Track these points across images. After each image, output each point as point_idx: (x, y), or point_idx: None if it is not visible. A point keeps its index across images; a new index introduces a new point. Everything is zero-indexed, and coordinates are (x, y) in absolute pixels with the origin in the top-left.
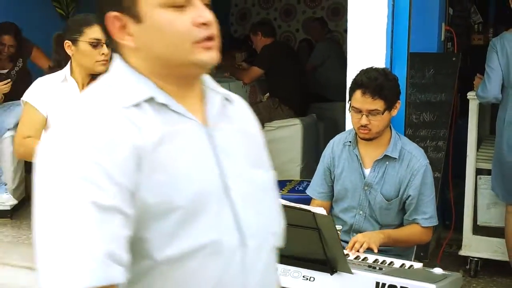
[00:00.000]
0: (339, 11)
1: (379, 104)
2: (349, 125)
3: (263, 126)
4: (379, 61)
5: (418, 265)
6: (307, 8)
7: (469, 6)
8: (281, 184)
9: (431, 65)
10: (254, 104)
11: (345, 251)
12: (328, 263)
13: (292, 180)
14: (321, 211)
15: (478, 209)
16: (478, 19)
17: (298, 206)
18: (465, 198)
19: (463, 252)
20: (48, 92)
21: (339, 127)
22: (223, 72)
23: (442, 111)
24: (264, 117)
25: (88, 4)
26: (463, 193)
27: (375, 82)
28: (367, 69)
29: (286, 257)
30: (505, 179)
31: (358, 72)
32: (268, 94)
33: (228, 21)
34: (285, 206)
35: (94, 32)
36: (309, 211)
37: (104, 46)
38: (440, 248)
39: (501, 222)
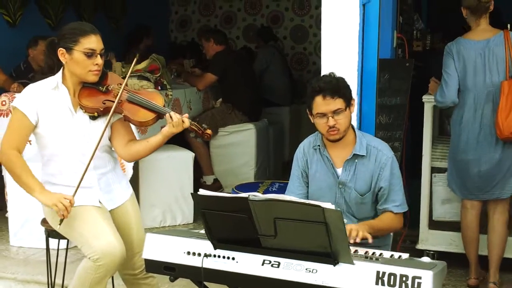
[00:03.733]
0: (279, 18)
1: (339, 103)
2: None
3: (217, 131)
4: (352, 68)
5: (405, 255)
6: (247, 16)
7: (412, 14)
8: (254, 186)
9: (387, 71)
10: (208, 109)
11: None
12: (332, 255)
13: (264, 182)
14: (330, 205)
15: (433, 205)
16: (420, 25)
17: (307, 202)
18: (421, 195)
19: (419, 246)
20: (38, 99)
21: (286, 131)
22: (177, 79)
23: (398, 113)
24: (218, 122)
25: (36, 11)
26: (418, 190)
27: (330, 83)
28: (317, 77)
29: (288, 251)
30: (462, 175)
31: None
32: (220, 99)
33: (168, 28)
34: (292, 202)
35: (89, 42)
36: (319, 206)
37: (98, 56)
38: (397, 243)
39: (455, 217)
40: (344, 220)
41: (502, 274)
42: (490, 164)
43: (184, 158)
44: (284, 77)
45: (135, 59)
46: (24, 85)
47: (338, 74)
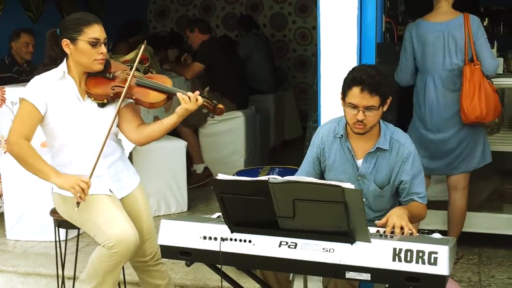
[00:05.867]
0: (258, 6)
1: (375, 101)
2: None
3: (206, 120)
4: (351, 52)
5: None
6: (226, 4)
7: None
8: (255, 172)
9: (377, 55)
10: None
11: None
12: (350, 234)
13: (263, 167)
14: (350, 185)
15: None
16: (402, 8)
17: (327, 182)
18: None
19: None
20: (46, 89)
21: (271, 118)
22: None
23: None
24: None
25: (16, 4)
26: None
27: (373, 79)
28: (361, 66)
29: (305, 231)
30: (431, 155)
31: (351, 69)
32: (208, 88)
33: (147, 18)
34: (311, 183)
35: (93, 31)
36: (339, 186)
37: (102, 45)
38: None
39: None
40: None
41: (484, 249)
42: (457, 142)
43: (177, 147)
44: (267, 64)
45: (142, 46)
46: (10, 79)
47: (336, 60)
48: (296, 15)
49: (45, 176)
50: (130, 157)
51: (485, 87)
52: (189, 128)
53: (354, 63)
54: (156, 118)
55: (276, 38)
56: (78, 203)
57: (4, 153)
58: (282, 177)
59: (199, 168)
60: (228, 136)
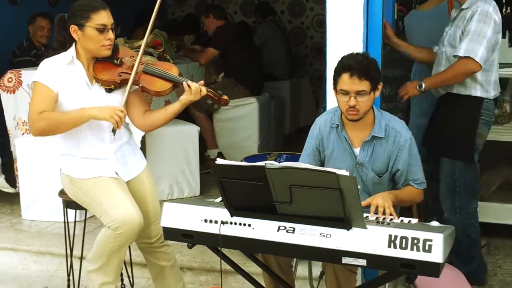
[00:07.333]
0: None
1: (365, 85)
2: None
3: (219, 106)
4: (357, 41)
5: (414, 220)
6: None
7: None
8: (262, 157)
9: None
10: (210, 84)
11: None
12: (346, 220)
13: (271, 153)
14: (344, 172)
15: None
16: None
17: (322, 169)
18: None
19: None
20: (57, 72)
21: (286, 105)
22: (179, 53)
23: (400, 85)
24: None
25: None
26: None
27: (361, 64)
28: (349, 54)
29: (303, 217)
30: None
31: (340, 58)
32: (222, 74)
33: (166, 3)
34: (306, 169)
35: (101, 17)
36: (334, 173)
37: (110, 31)
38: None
39: None
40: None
41: (492, 239)
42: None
43: (190, 132)
44: (283, 51)
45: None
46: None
47: (343, 48)
48: (314, 2)
49: (83, 117)
50: (143, 141)
51: None
52: (203, 114)
53: (360, 51)
54: (167, 102)
55: (294, 25)
56: (114, 131)
57: (22, 135)
58: None
59: (212, 153)
60: (242, 122)
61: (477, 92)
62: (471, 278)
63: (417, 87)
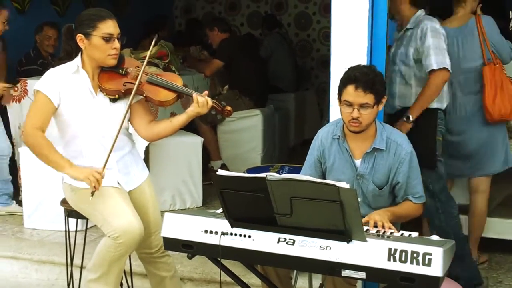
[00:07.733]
0: (282, 5)
1: (370, 98)
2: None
3: (223, 118)
4: (361, 54)
5: (414, 234)
6: (251, 3)
7: None
8: (265, 169)
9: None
10: (215, 96)
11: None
12: (346, 233)
13: (274, 165)
14: (345, 185)
15: None
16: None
17: (322, 181)
18: None
19: None
20: (60, 82)
21: (291, 117)
22: (185, 64)
23: None
24: None
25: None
26: None
27: (367, 77)
28: (356, 65)
29: (303, 229)
30: (451, 157)
31: (346, 69)
32: (227, 86)
33: (173, 14)
34: (307, 181)
35: (107, 27)
36: (334, 185)
37: (116, 40)
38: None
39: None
40: (361, 209)
41: (494, 254)
42: (478, 144)
43: (193, 143)
44: (289, 64)
45: (153, 42)
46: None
47: (347, 61)
48: (321, 15)
49: (60, 167)
50: (147, 151)
51: (507, 85)
52: (207, 125)
53: (364, 64)
54: (173, 114)
55: (300, 38)
56: (92, 193)
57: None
58: None
59: (216, 165)
60: (246, 134)
61: (433, 104)
62: None
63: (406, 121)
